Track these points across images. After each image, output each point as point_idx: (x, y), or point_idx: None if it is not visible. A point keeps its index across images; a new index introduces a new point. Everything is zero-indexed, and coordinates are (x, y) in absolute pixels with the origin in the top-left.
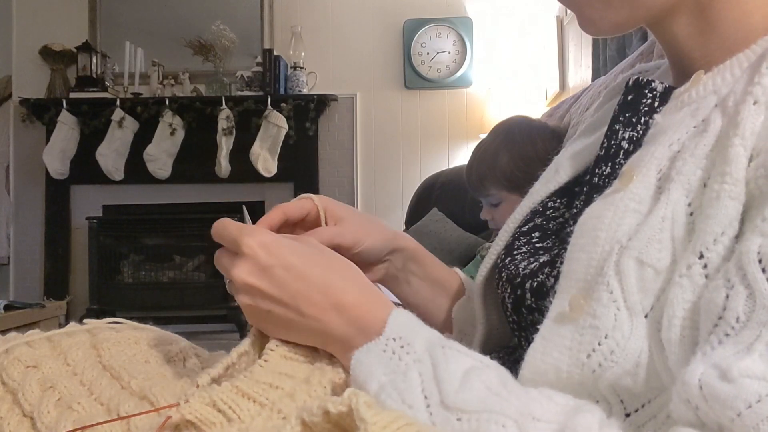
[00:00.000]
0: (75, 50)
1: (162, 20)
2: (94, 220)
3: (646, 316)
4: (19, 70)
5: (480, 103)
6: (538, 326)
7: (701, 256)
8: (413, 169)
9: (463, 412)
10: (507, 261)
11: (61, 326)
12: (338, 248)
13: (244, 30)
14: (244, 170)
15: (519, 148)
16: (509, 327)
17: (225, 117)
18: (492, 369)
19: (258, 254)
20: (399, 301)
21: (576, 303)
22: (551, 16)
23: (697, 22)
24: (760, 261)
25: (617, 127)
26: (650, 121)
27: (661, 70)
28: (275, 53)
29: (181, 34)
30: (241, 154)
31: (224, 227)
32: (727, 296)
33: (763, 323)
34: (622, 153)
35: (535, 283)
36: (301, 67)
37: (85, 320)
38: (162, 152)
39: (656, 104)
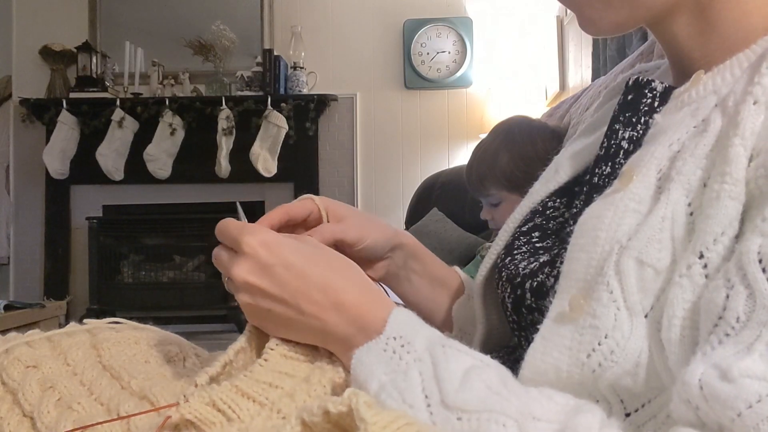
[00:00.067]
0: (75, 50)
1: (162, 20)
2: (94, 220)
3: (646, 316)
4: (19, 70)
5: (480, 103)
6: (538, 326)
7: (701, 256)
8: (413, 169)
9: (463, 411)
10: (507, 261)
11: (61, 326)
12: (341, 245)
13: (244, 30)
14: (244, 170)
15: (519, 148)
16: (509, 327)
17: (225, 117)
18: (492, 368)
19: (258, 253)
20: (401, 301)
21: (576, 303)
22: (551, 16)
23: (697, 22)
24: (760, 261)
25: (617, 127)
26: (650, 120)
27: (661, 70)
28: (275, 53)
29: (181, 34)
30: (241, 154)
31: (226, 226)
32: (728, 296)
33: (764, 323)
34: (622, 153)
35: (535, 283)
36: (301, 67)
37: (85, 320)
38: (162, 152)
39: (656, 104)
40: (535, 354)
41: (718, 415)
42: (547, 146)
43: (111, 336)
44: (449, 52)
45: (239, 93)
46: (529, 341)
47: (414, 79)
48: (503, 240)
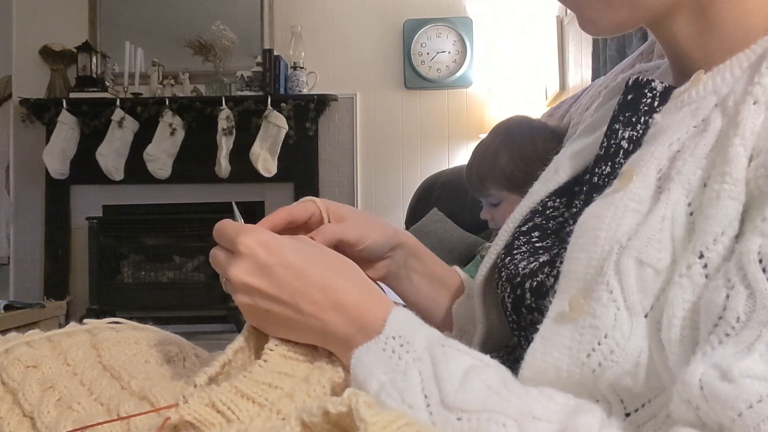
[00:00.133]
0: (75, 50)
1: (162, 20)
2: (94, 220)
3: (645, 316)
4: (19, 70)
5: (480, 103)
6: (538, 326)
7: (701, 256)
8: (413, 169)
9: (463, 411)
10: (507, 261)
11: (61, 326)
12: (342, 245)
13: (244, 30)
14: (244, 170)
15: (519, 148)
16: (509, 326)
17: (225, 117)
18: (492, 368)
19: (257, 253)
20: (401, 302)
21: (576, 303)
22: (551, 16)
23: (697, 22)
24: (760, 261)
25: (617, 127)
26: (650, 120)
27: (661, 70)
28: (275, 53)
29: (181, 34)
30: (241, 154)
31: (223, 227)
32: (728, 296)
33: (764, 323)
34: (621, 152)
35: (535, 283)
36: (301, 67)
37: (85, 320)
38: (162, 152)
39: (656, 104)
40: (535, 354)
41: (718, 415)
42: (547, 146)
43: (111, 336)
44: (449, 52)
45: (239, 93)
46: (528, 341)
47: (414, 79)
48: (503, 240)
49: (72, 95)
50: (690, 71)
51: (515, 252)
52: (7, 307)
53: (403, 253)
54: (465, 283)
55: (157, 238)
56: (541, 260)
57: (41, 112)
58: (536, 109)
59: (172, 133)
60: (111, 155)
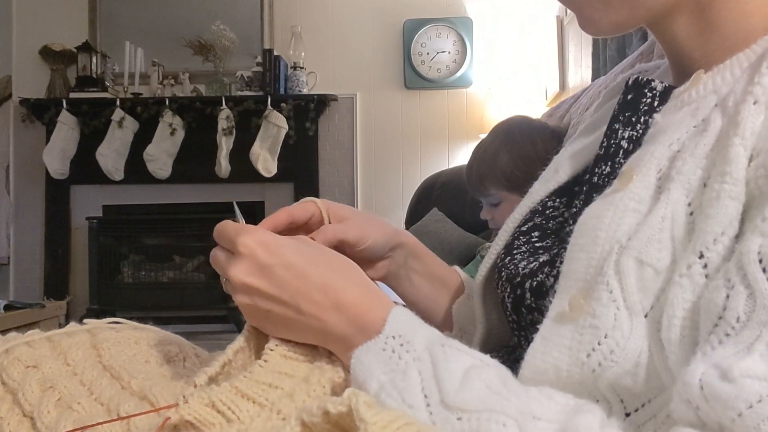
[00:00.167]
0: (75, 50)
1: (162, 20)
2: (94, 220)
3: (645, 316)
4: (19, 70)
5: (480, 103)
6: (538, 326)
7: (701, 256)
8: (413, 169)
9: (463, 411)
10: (507, 260)
11: (61, 326)
12: (343, 245)
13: (244, 30)
14: (244, 170)
15: (519, 148)
16: (509, 326)
17: (225, 117)
18: (492, 367)
19: (257, 253)
20: (401, 302)
21: (576, 303)
22: (551, 16)
23: (697, 22)
24: (760, 261)
25: (617, 127)
26: (650, 120)
27: (661, 69)
28: (275, 53)
29: (181, 34)
30: (241, 154)
31: (223, 227)
32: (728, 296)
33: (764, 323)
34: (621, 152)
35: (535, 283)
36: (301, 67)
37: (85, 320)
38: (162, 152)
39: (656, 104)
40: (535, 354)
41: (718, 415)
42: (547, 146)
43: (111, 336)
44: (449, 52)
45: (239, 93)
46: (528, 341)
47: (414, 79)
48: (503, 240)
49: (72, 95)
50: (690, 71)
51: (515, 252)
52: (7, 307)
53: (404, 253)
54: (465, 283)
55: (157, 238)
56: (541, 260)
57: (41, 112)
58: (536, 109)
59: (172, 133)
60: (111, 155)
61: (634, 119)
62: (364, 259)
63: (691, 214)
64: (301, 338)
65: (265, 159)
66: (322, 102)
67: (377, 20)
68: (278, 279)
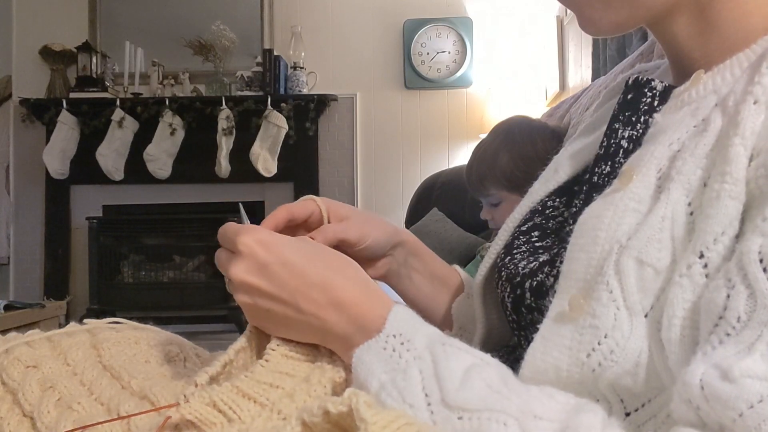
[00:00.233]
0: (75, 50)
1: (162, 20)
2: (94, 220)
3: (645, 316)
4: (19, 70)
5: (480, 103)
6: (538, 325)
7: (701, 256)
8: (413, 169)
9: (464, 410)
10: (506, 260)
11: (61, 326)
12: (344, 244)
13: (244, 30)
14: (244, 170)
15: (519, 148)
16: (509, 326)
17: (225, 117)
18: (493, 366)
19: (256, 251)
20: (401, 300)
21: (576, 302)
22: (551, 16)
23: (697, 22)
24: (761, 261)
25: (617, 126)
26: (650, 120)
27: (661, 69)
28: (275, 53)
29: (181, 34)
30: (241, 154)
31: (225, 228)
32: (728, 296)
33: (764, 323)
34: (621, 152)
35: (535, 283)
36: (301, 67)
37: (85, 320)
38: (162, 152)
39: (656, 103)
40: (535, 353)
41: (719, 416)
42: (547, 146)
43: (111, 336)
44: (449, 52)
45: (239, 93)
46: (528, 341)
47: (414, 79)
48: (503, 239)
49: (72, 95)
50: (690, 71)
51: (515, 252)
52: (7, 307)
53: (404, 252)
54: (465, 282)
55: (157, 238)
56: (540, 260)
57: (41, 112)
58: (536, 109)
59: (172, 133)
60: (111, 155)
61: (634, 119)
62: (365, 258)
63: (691, 214)
64: (301, 337)
65: (265, 159)
66: (322, 102)
67: (377, 20)
68: (277, 277)
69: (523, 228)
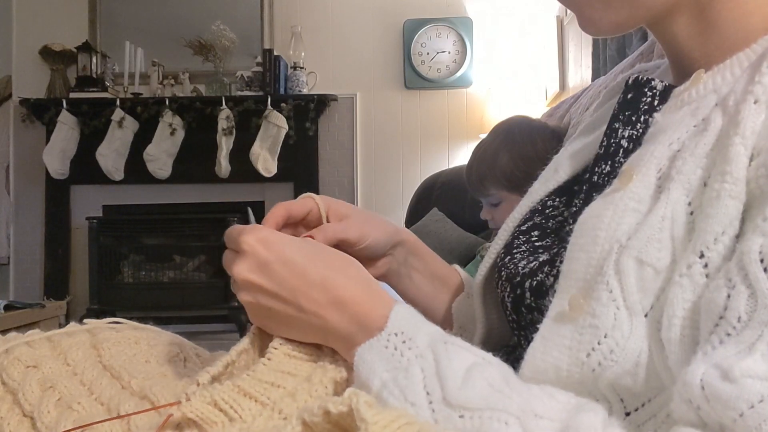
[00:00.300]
0: (75, 50)
1: (162, 20)
2: (94, 220)
3: (645, 316)
4: (19, 70)
5: (480, 103)
6: (538, 325)
7: (702, 256)
8: (413, 169)
9: (465, 409)
10: (506, 260)
11: (61, 326)
12: (344, 244)
13: (244, 30)
14: (244, 170)
15: (519, 148)
16: (509, 326)
17: (225, 117)
18: (494, 366)
19: (257, 250)
20: (401, 300)
21: (575, 302)
22: (551, 16)
23: (697, 22)
24: (761, 261)
25: (617, 126)
26: (650, 119)
27: (661, 69)
28: (275, 53)
29: (181, 34)
30: (241, 154)
31: (230, 229)
32: (729, 296)
33: (765, 323)
34: (621, 151)
35: (535, 282)
36: (301, 67)
37: (85, 320)
38: (162, 152)
39: (656, 103)
40: (535, 353)
41: (719, 415)
42: (547, 146)
43: (111, 336)
44: (449, 52)
45: (239, 93)
46: (528, 340)
47: (414, 79)
48: (503, 239)
49: (72, 95)
50: (690, 71)
51: (515, 251)
52: (7, 307)
53: (404, 251)
54: (465, 282)
55: (157, 238)
56: (540, 259)
57: (41, 112)
58: (536, 109)
59: (172, 133)
60: (111, 155)
61: (634, 118)
62: (365, 258)
63: (692, 213)
64: (303, 336)
65: (265, 159)
66: (322, 102)
67: (377, 20)
68: (277, 275)
69: (523, 228)
